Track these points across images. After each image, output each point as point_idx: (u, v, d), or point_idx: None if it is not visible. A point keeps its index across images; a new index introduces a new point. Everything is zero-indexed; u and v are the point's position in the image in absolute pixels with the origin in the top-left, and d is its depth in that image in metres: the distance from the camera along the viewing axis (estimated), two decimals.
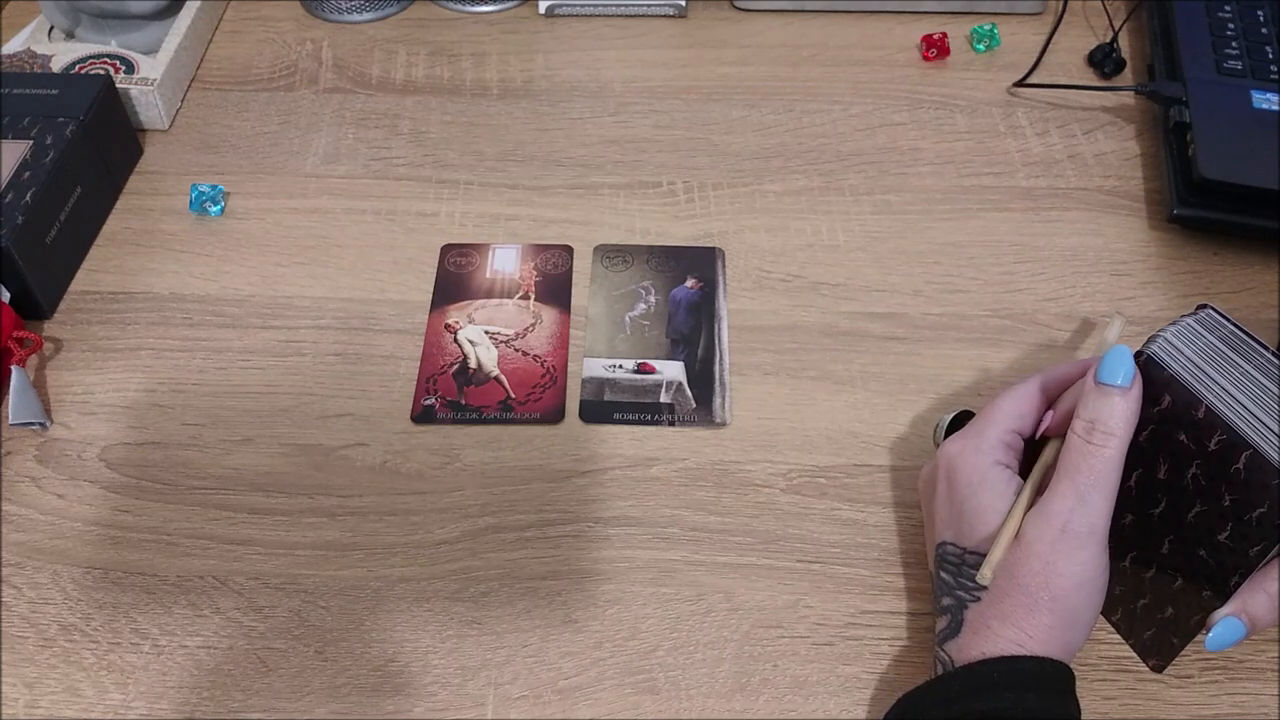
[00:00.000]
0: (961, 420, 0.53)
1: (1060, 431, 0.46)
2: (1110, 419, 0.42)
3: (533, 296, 0.62)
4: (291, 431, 0.56)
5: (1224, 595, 0.41)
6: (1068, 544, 0.41)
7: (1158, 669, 0.46)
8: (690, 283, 0.63)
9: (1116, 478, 0.42)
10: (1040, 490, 0.44)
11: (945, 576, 0.45)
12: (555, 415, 0.57)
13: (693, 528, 0.53)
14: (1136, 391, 0.42)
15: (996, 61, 0.77)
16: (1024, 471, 0.46)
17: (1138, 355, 0.42)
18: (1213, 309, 0.42)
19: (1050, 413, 0.47)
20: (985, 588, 0.43)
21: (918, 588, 0.50)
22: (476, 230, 0.66)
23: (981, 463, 0.45)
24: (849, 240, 0.65)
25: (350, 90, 0.76)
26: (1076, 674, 0.47)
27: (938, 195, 0.68)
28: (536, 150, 0.71)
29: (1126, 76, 0.76)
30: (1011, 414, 0.46)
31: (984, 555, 0.43)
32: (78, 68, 0.73)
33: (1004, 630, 0.42)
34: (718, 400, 0.57)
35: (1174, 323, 0.41)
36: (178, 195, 0.68)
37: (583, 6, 0.81)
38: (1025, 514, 0.43)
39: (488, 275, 0.63)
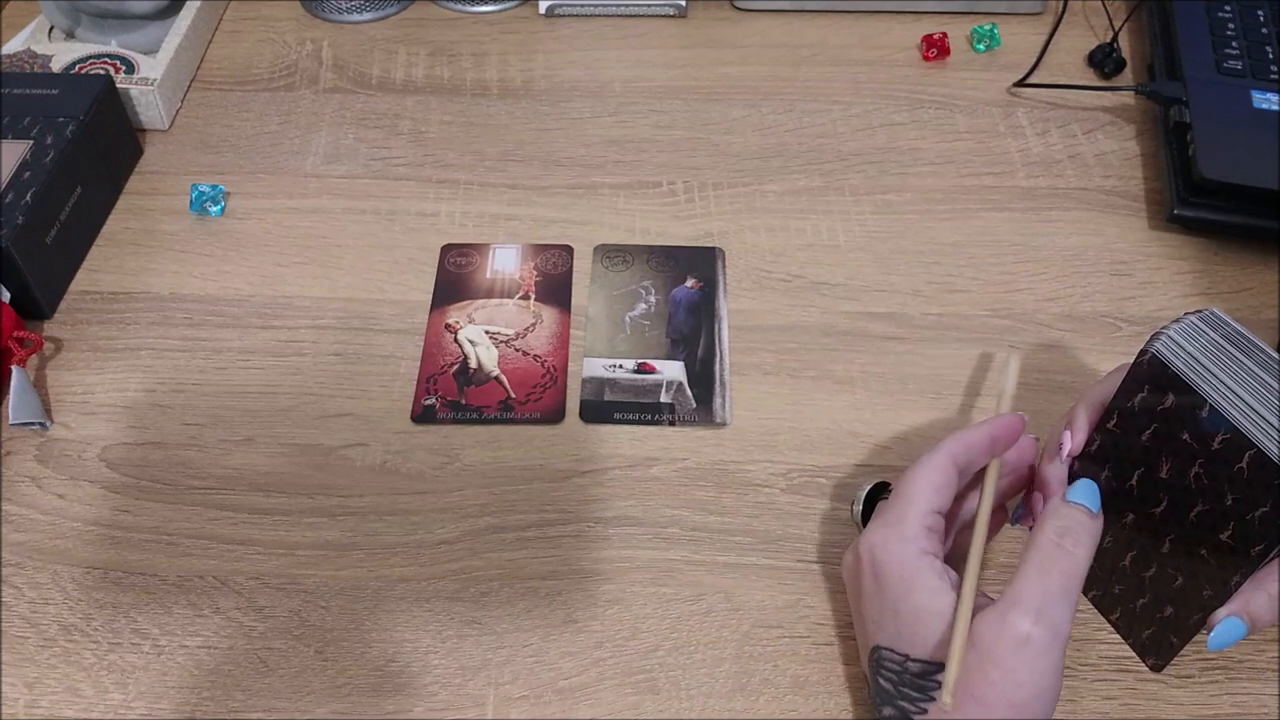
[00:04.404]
0: (878, 492, 0.51)
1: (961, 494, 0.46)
2: (1082, 530, 0.41)
3: (533, 296, 0.62)
4: (291, 431, 0.56)
5: (1224, 595, 0.41)
6: (1031, 653, 0.39)
7: (1156, 668, 0.46)
8: (690, 283, 0.63)
9: (1081, 585, 0.40)
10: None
11: (884, 684, 0.42)
12: (555, 415, 0.57)
13: (693, 528, 0.53)
14: (1101, 520, 0.42)
15: (996, 61, 0.77)
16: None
17: (1141, 353, 0.42)
18: (1213, 311, 0.42)
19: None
20: (932, 698, 0.40)
21: None
22: (476, 230, 0.66)
23: (908, 555, 0.42)
24: (849, 240, 0.65)
25: (350, 90, 0.76)
26: (1077, 674, 0.47)
27: (938, 195, 0.68)
28: (536, 150, 0.71)
29: (1126, 76, 0.76)
30: (927, 491, 0.43)
31: (929, 664, 0.41)
32: (78, 68, 0.73)
33: None
34: (718, 400, 0.57)
35: (1177, 320, 0.41)
36: (178, 195, 0.68)
37: (583, 6, 0.81)
38: (975, 615, 0.40)
39: (488, 275, 0.63)
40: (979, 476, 0.46)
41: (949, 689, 0.39)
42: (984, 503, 0.44)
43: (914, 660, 0.41)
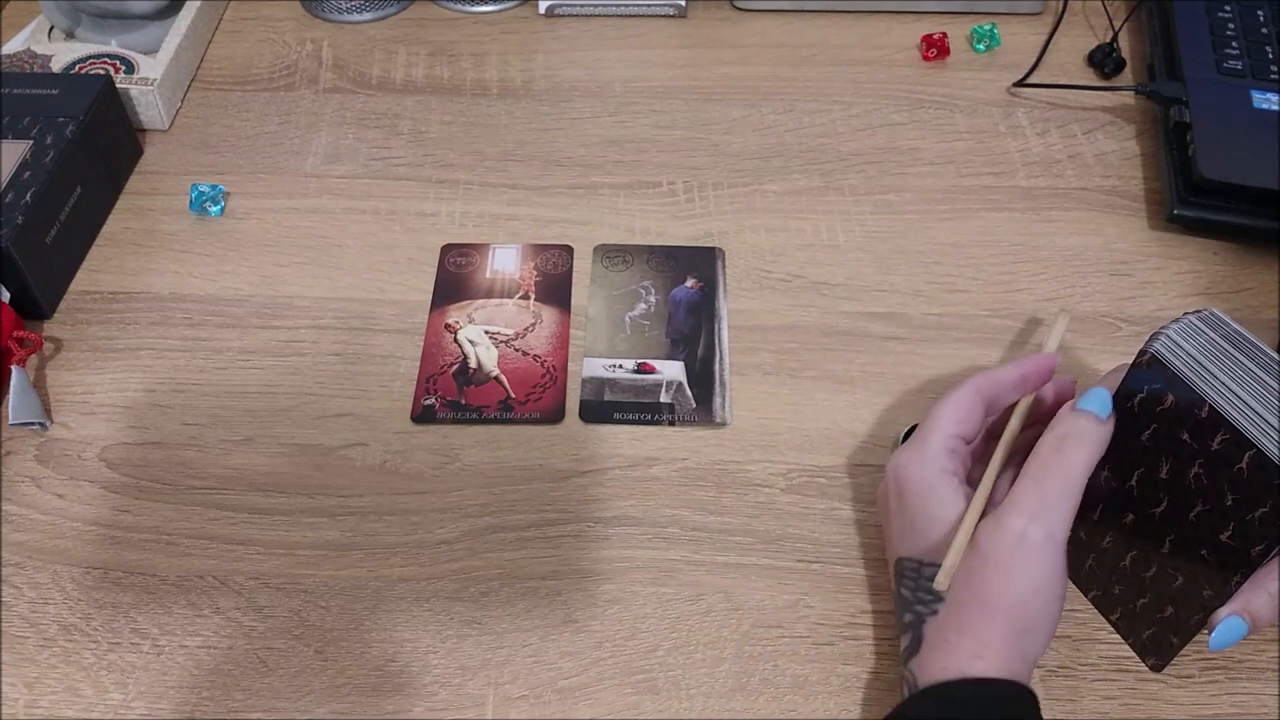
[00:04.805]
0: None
1: (996, 431, 0.47)
2: (1084, 435, 0.42)
3: (533, 296, 0.62)
4: (291, 431, 0.56)
5: (1225, 595, 0.41)
6: (1025, 552, 0.41)
7: (1156, 668, 0.46)
8: (690, 283, 0.63)
9: (1080, 489, 0.42)
10: (992, 498, 0.44)
11: (904, 592, 0.45)
12: (555, 415, 0.57)
13: (693, 528, 0.53)
14: (1111, 425, 0.43)
15: (996, 61, 0.77)
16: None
17: (1141, 353, 0.42)
18: (1213, 311, 0.42)
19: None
20: (942, 600, 0.43)
21: None
22: (476, 230, 0.66)
23: (928, 472, 0.45)
24: (849, 240, 0.65)
25: (350, 90, 0.76)
26: (1077, 674, 0.47)
27: (938, 195, 0.68)
28: (536, 150, 0.71)
29: (1126, 76, 0.76)
30: (951, 419, 0.46)
31: (937, 565, 0.43)
32: (78, 68, 0.73)
33: (962, 643, 0.41)
34: (718, 400, 0.57)
35: (1176, 320, 0.41)
36: (178, 195, 0.68)
37: (583, 6, 0.81)
38: (980, 521, 0.43)
39: (488, 275, 0.63)
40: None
41: (945, 571, 0.42)
42: (1009, 426, 0.46)
43: (926, 565, 0.44)
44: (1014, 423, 0.46)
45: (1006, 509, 0.42)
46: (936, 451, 0.45)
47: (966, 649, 0.41)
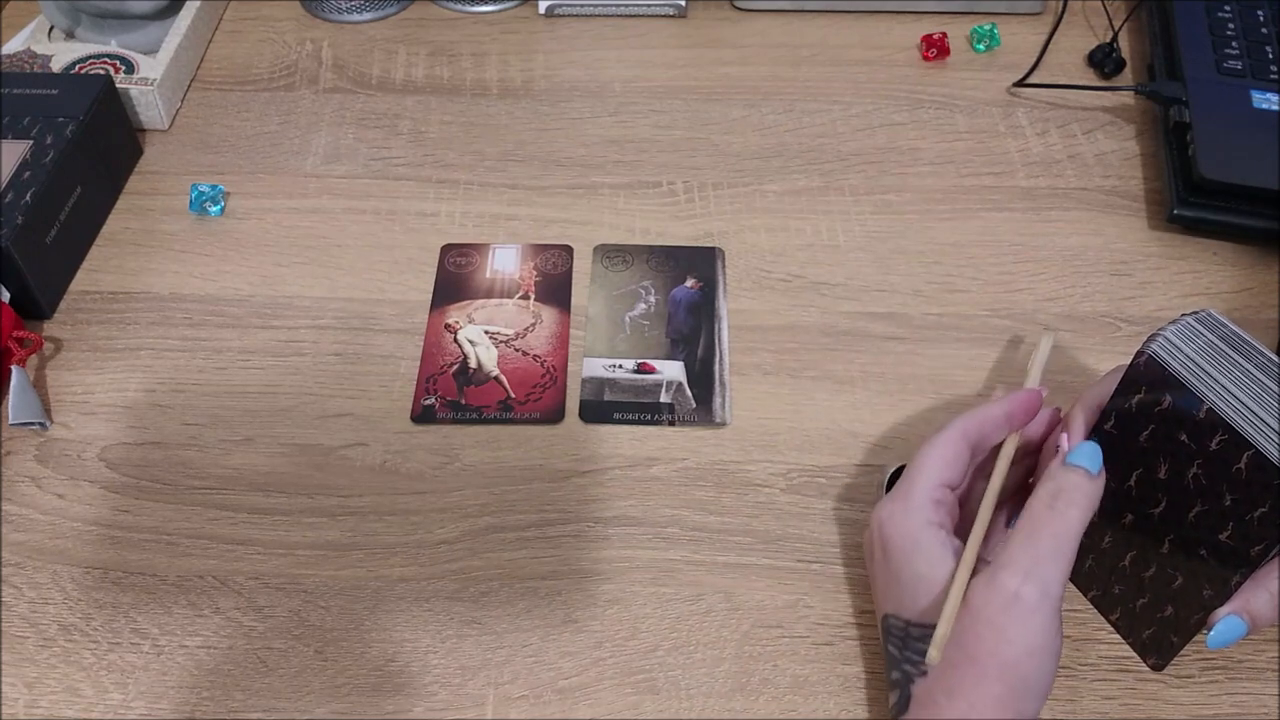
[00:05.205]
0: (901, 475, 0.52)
1: (985, 470, 0.46)
2: (1076, 491, 0.42)
3: (533, 296, 0.62)
4: (291, 431, 0.56)
5: (1224, 594, 0.41)
6: (1020, 611, 0.39)
7: (1157, 667, 0.46)
8: (690, 283, 0.63)
9: (1075, 546, 0.41)
10: (987, 538, 0.43)
11: (892, 649, 0.43)
12: (555, 415, 0.57)
13: (693, 528, 0.53)
14: (1103, 480, 0.42)
15: (996, 61, 0.77)
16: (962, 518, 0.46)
17: (1138, 355, 0.42)
18: (1210, 313, 0.42)
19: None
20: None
21: None
22: (476, 230, 0.66)
23: (912, 526, 0.43)
24: (849, 240, 0.65)
25: (350, 90, 0.76)
26: (1077, 674, 0.47)
27: (938, 195, 0.68)
28: (536, 150, 0.71)
29: (1126, 76, 0.76)
30: (937, 466, 0.44)
31: (927, 627, 0.41)
32: (78, 68, 0.73)
33: (952, 705, 0.40)
34: (718, 400, 0.57)
35: (1174, 322, 0.41)
36: (178, 195, 0.68)
37: (583, 6, 0.81)
38: (970, 580, 0.41)
39: (488, 275, 0.63)
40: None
41: (936, 644, 0.41)
42: (996, 473, 0.45)
43: (915, 625, 0.43)
44: (1000, 465, 0.45)
45: (999, 567, 0.40)
46: (921, 503, 0.44)
47: (956, 711, 0.40)
